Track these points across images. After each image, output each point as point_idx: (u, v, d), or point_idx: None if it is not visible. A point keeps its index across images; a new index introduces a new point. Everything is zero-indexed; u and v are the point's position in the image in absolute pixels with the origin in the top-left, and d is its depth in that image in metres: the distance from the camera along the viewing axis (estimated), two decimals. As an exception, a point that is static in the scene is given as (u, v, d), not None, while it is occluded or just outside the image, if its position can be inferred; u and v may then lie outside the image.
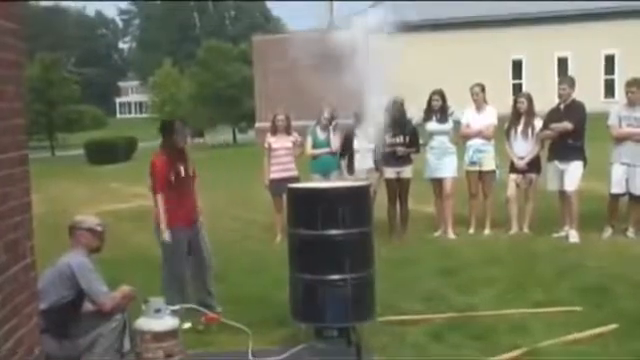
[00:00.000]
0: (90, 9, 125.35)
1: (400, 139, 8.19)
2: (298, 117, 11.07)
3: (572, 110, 7.96)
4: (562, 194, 8.09)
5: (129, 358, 4.27)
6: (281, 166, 8.51)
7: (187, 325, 5.09)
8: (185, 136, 5.71)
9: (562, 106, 8.06)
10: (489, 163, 8.45)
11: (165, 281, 5.57)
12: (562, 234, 8.05)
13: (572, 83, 8.14)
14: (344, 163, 8.44)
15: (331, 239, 4.41)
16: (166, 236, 5.41)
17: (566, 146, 7.91)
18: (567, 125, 7.84)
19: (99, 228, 4.54)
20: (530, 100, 8.38)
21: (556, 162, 8.01)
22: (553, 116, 8.09)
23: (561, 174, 7.97)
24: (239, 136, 38.52)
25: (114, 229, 7.82)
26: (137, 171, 20.60)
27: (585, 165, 7.94)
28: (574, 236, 7.85)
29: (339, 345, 4.45)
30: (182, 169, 5.52)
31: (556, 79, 18.34)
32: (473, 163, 8.48)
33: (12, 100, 2.79)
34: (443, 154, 8.42)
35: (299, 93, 25.59)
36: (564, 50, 28.91)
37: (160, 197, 5.45)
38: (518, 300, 5.68)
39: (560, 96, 8.11)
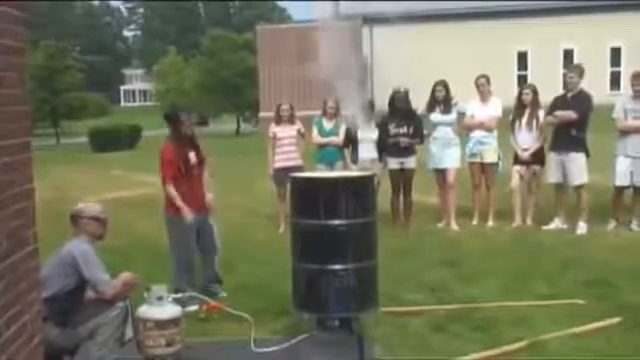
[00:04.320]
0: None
1: (404, 129, 8.17)
2: (302, 107, 11.06)
3: (579, 100, 7.89)
4: (560, 187, 8.06)
5: (130, 346, 4.27)
6: (285, 155, 8.50)
7: (193, 308, 5.13)
8: (190, 124, 5.79)
9: (569, 95, 8.00)
10: (491, 155, 8.43)
11: (174, 267, 5.64)
12: (552, 226, 8.04)
13: (581, 72, 8.04)
14: (348, 153, 8.45)
15: (334, 229, 4.40)
16: (188, 217, 5.54)
17: (569, 137, 7.84)
18: (572, 114, 7.78)
19: (102, 215, 4.54)
20: (535, 92, 8.34)
21: (557, 153, 7.96)
22: (559, 104, 8.01)
23: (562, 165, 7.93)
24: (243, 125, 38.44)
25: (118, 217, 7.83)
26: (141, 159, 20.60)
27: (588, 157, 7.90)
28: (582, 227, 7.84)
29: (341, 335, 4.46)
30: (191, 156, 5.66)
31: (562, 71, 18.29)
32: (473, 155, 8.47)
33: (14, 87, 2.78)
34: (446, 145, 8.39)
35: (303, 83, 25.55)
36: (570, 42, 28.77)
37: (171, 187, 5.56)
38: (521, 292, 5.68)
39: (568, 84, 8.05)
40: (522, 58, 30.15)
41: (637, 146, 7.71)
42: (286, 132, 8.55)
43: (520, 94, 8.44)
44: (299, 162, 8.49)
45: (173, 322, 4.09)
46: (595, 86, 8.19)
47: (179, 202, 5.54)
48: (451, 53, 27.09)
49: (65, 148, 30.34)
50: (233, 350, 4.55)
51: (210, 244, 5.83)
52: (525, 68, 29.84)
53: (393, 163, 8.25)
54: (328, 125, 8.58)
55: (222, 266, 6.06)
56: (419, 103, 8.62)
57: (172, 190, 5.56)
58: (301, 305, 4.60)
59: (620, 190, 7.96)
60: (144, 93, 73.65)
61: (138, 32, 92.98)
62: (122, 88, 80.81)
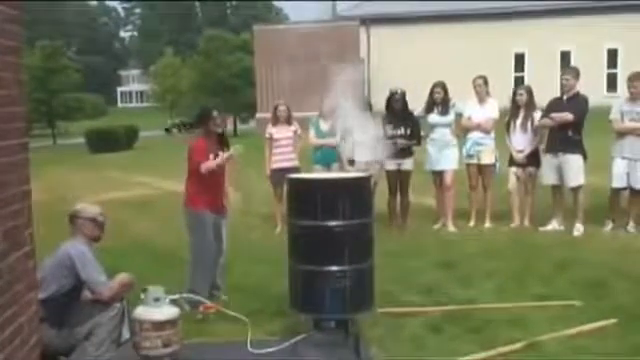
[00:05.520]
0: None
1: (401, 131, 8.17)
2: (298, 108, 11.05)
3: (575, 102, 7.90)
4: (556, 188, 8.07)
5: (127, 347, 4.27)
6: (282, 156, 8.51)
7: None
8: (222, 122, 5.84)
9: (565, 97, 8.01)
10: (488, 156, 8.43)
11: (191, 266, 5.60)
12: (548, 228, 8.05)
13: (576, 74, 8.05)
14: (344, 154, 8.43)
15: (331, 230, 4.39)
16: (238, 151, 5.57)
17: (565, 138, 7.84)
18: (568, 116, 7.79)
19: (100, 218, 4.54)
20: (530, 93, 8.34)
21: (553, 154, 7.96)
22: (554, 106, 8.02)
23: (558, 167, 7.94)
24: (240, 126, 38.43)
25: (115, 217, 7.80)
26: (138, 160, 20.62)
27: (585, 159, 7.91)
28: (579, 229, 7.85)
29: (338, 336, 4.45)
30: (220, 154, 5.62)
31: (559, 73, 18.29)
32: (470, 156, 8.48)
33: (10, 87, 2.77)
34: (444, 146, 8.40)
35: (300, 84, 25.59)
36: (567, 44, 28.85)
37: (205, 164, 5.45)
38: (517, 293, 5.68)
39: (563, 86, 8.06)
40: (519, 60, 30.23)
41: (634, 148, 7.72)
42: (283, 133, 8.56)
43: (514, 95, 8.44)
44: (296, 163, 8.49)
45: (170, 323, 4.08)
46: (592, 88, 8.22)
47: (220, 160, 5.48)
48: (448, 54, 27.15)
49: (62, 149, 30.30)
50: (230, 351, 4.54)
51: (220, 248, 5.79)
52: (522, 70, 29.92)
53: (390, 164, 8.25)
54: (325, 126, 8.58)
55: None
56: (416, 104, 8.63)
57: (210, 162, 5.46)
58: (297, 306, 4.59)
59: (617, 192, 7.96)
60: (141, 94, 73.63)
61: (135, 33, 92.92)
62: (119, 89, 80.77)
